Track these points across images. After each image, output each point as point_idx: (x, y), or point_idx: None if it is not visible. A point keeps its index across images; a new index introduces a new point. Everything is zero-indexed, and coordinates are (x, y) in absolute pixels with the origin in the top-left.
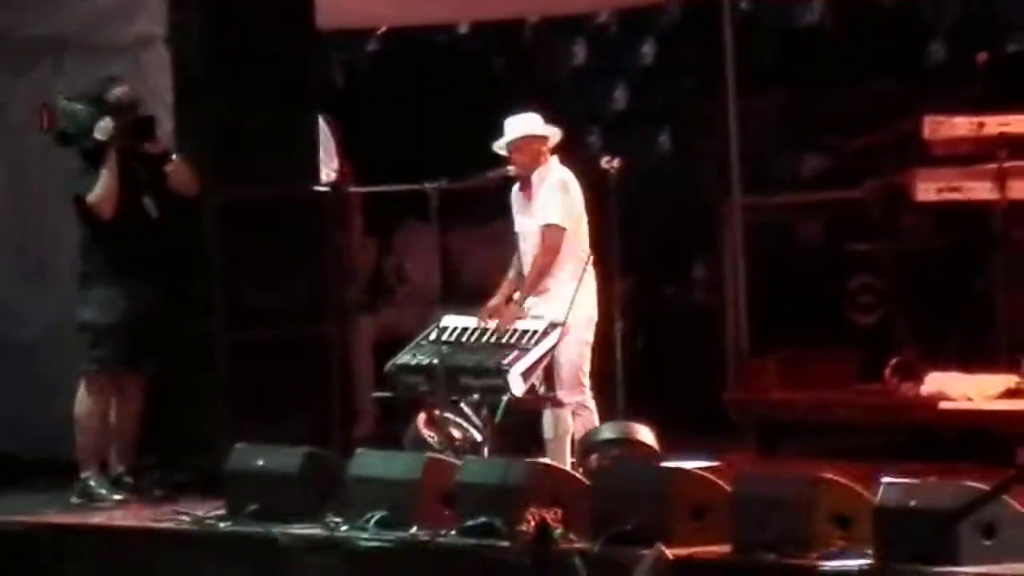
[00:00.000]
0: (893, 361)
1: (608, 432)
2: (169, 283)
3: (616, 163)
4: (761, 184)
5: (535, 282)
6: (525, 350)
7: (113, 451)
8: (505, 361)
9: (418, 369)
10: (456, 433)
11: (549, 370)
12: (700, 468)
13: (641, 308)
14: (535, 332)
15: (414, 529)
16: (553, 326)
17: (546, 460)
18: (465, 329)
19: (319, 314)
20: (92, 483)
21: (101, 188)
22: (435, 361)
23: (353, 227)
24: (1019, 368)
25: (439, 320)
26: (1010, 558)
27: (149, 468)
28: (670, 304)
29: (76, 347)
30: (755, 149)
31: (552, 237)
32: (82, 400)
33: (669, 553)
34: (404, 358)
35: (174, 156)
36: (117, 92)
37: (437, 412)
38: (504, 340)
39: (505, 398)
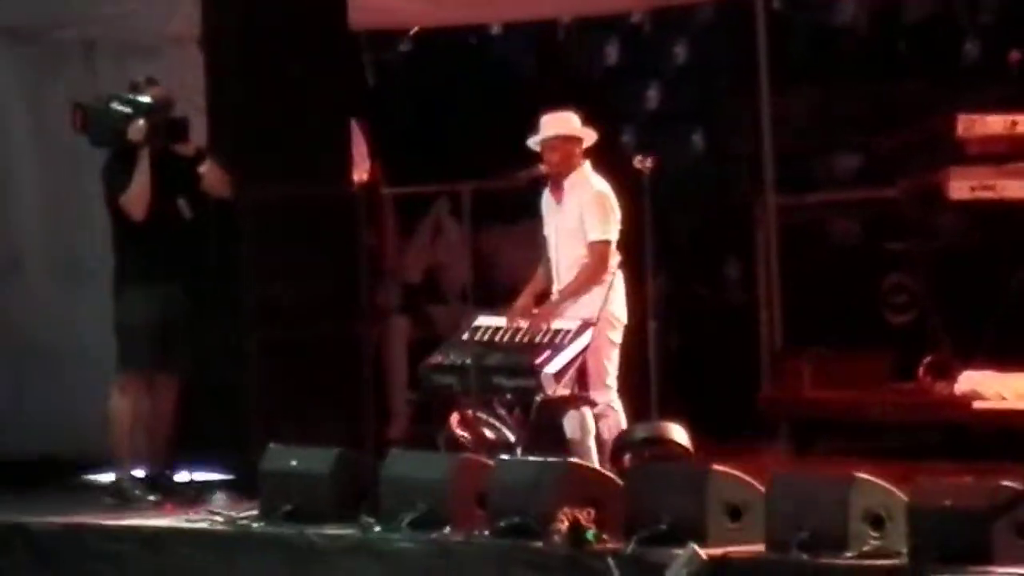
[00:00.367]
0: (927, 360)
1: (642, 432)
2: (202, 284)
3: (649, 163)
4: (794, 183)
5: (576, 292)
6: (558, 350)
7: (147, 451)
8: (538, 361)
9: (451, 369)
10: (489, 433)
11: (581, 370)
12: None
13: (675, 307)
14: (568, 331)
15: (447, 530)
16: (586, 325)
17: (579, 460)
18: (498, 329)
19: (351, 314)
20: (126, 483)
21: (134, 189)
22: (468, 361)
23: (385, 227)
24: None
25: (472, 320)
26: None
27: (183, 468)
28: (704, 303)
29: (110, 348)
30: (788, 148)
31: (602, 253)
32: (116, 401)
33: (703, 553)
34: (437, 358)
35: (207, 157)
36: (150, 93)
37: (470, 412)
38: (537, 340)
39: (538, 398)
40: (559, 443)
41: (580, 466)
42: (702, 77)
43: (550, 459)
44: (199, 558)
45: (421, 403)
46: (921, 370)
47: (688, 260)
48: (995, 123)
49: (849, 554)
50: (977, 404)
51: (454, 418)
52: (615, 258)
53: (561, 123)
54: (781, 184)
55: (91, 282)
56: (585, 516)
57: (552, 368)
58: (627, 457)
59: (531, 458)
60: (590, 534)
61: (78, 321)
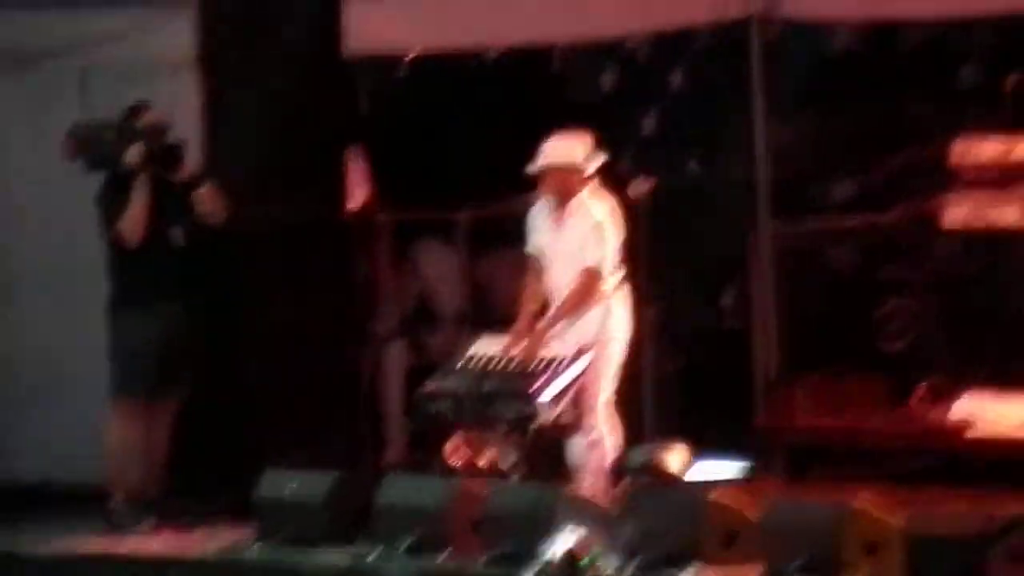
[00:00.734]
0: (923, 387)
1: (638, 458)
2: (197, 309)
3: (646, 188)
4: (791, 209)
5: (564, 316)
6: (555, 376)
7: (143, 477)
8: (534, 387)
9: (447, 396)
10: (485, 460)
11: (579, 396)
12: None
13: (670, 333)
14: (565, 358)
15: (443, 556)
16: (582, 351)
17: (575, 487)
18: (494, 355)
19: (347, 340)
20: (122, 509)
21: (131, 215)
22: (465, 387)
23: (381, 253)
24: None
25: (468, 346)
26: None
27: (179, 494)
28: (699, 329)
29: (105, 374)
30: (785, 174)
31: (592, 280)
32: (112, 426)
33: None
34: (433, 385)
35: (203, 182)
36: (146, 118)
37: (467, 438)
38: (533, 367)
39: (535, 425)
40: (556, 470)
41: (576, 493)
42: (699, 103)
43: (547, 486)
44: None
45: (417, 429)
46: (917, 397)
47: (684, 286)
48: (991, 149)
49: None
50: (973, 431)
51: (451, 444)
52: (618, 276)
53: (557, 152)
54: (777, 210)
55: (87, 308)
56: (580, 543)
57: (548, 395)
58: (623, 483)
59: (528, 485)
60: (586, 561)
61: (73, 347)
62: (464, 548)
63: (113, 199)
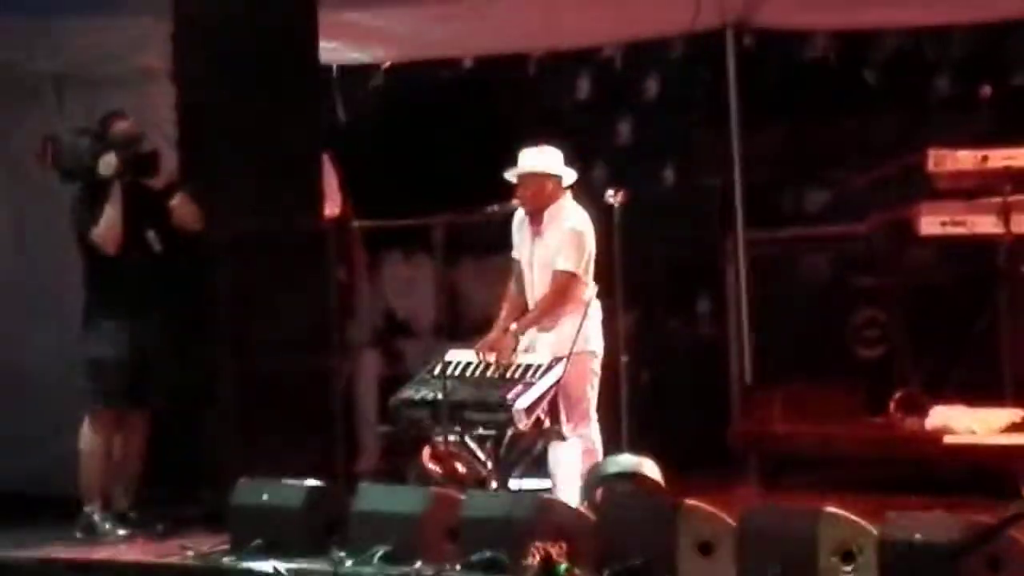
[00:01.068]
0: (898, 395)
1: (614, 466)
2: (173, 318)
3: (620, 197)
4: (765, 218)
5: (537, 321)
6: (530, 384)
7: (118, 486)
8: (509, 395)
9: (422, 403)
10: (460, 467)
11: (554, 404)
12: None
13: (645, 342)
14: (540, 366)
15: (418, 564)
16: (558, 360)
17: (551, 494)
18: (469, 363)
19: (322, 348)
20: (96, 518)
21: (105, 223)
22: (439, 395)
23: (356, 262)
24: None
25: (443, 354)
26: None
27: (153, 503)
28: (674, 338)
29: (80, 382)
30: (759, 183)
31: (565, 284)
32: (86, 435)
33: None
34: (408, 392)
35: (178, 191)
36: (120, 127)
37: (441, 446)
38: (508, 374)
39: (509, 432)
40: (530, 477)
41: (552, 500)
42: (673, 111)
43: (522, 493)
44: None
45: (391, 437)
46: (891, 405)
47: (659, 294)
48: (965, 158)
49: None
50: (948, 439)
51: (425, 452)
52: (591, 289)
53: (534, 159)
54: (752, 219)
55: (61, 317)
56: (557, 550)
57: (523, 403)
58: (599, 491)
59: (503, 492)
60: (562, 568)
61: (49, 356)
62: (439, 556)
63: (88, 208)
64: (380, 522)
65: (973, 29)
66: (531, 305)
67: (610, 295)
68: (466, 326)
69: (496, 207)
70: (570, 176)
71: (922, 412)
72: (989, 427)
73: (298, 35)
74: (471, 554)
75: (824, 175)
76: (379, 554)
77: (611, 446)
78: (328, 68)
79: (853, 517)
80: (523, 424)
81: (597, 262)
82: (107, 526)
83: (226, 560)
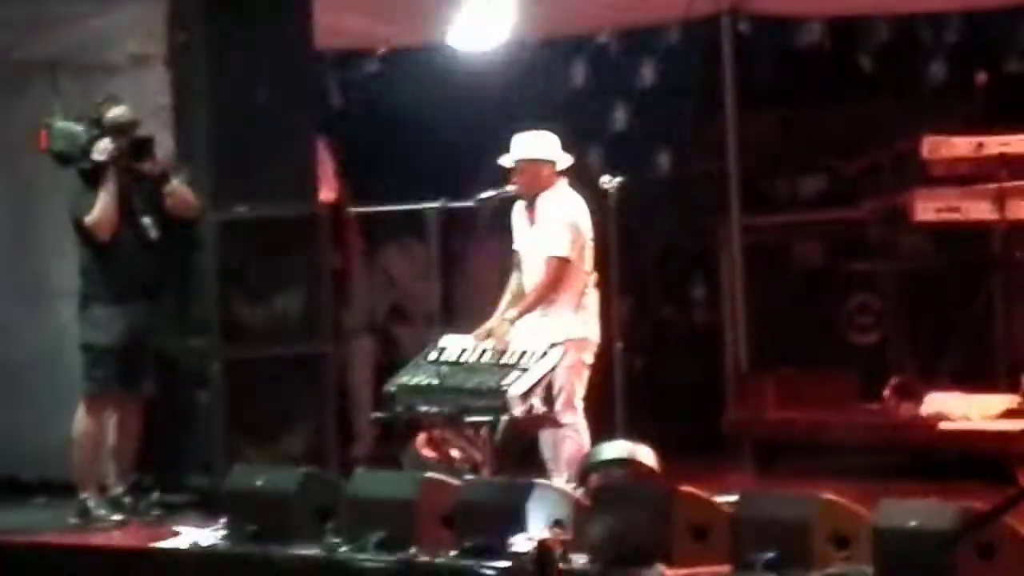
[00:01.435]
0: (892, 381)
1: (609, 452)
2: (167, 304)
3: (615, 183)
4: (760, 204)
5: (531, 308)
6: (524, 370)
7: (112, 472)
8: (504, 381)
9: (417, 389)
10: (455, 453)
11: (548, 391)
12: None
13: (640, 328)
14: (535, 353)
15: (413, 550)
16: (553, 346)
17: (546, 480)
18: (464, 349)
19: (316, 334)
20: (90, 504)
21: (100, 209)
22: (434, 381)
23: (351, 247)
24: (1019, 388)
25: (438, 340)
26: None
27: (147, 489)
28: (669, 324)
29: (74, 367)
30: (754, 169)
31: (557, 269)
32: (81, 421)
33: (669, 574)
34: (403, 378)
35: (173, 177)
36: (115, 113)
37: (436, 432)
38: (504, 360)
39: (504, 418)
40: (526, 463)
41: (547, 486)
42: (668, 98)
43: (516, 480)
44: None
45: (386, 423)
46: (887, 391)
47: (653, 281)
48: (960, 145)
49: (814, 574)
50: (942, 425)
51: (420, 438)
52: (589, 277)
53: (528, 146)
54: (746, 205)
55: (57, 302)
56: (552, 537)
57: (518, 389)
58: (594, 477)
59: (498, 478)
60: (557, 555)
61: (43, 341)
62: (434, 542)
63: (83, 193)
64: (375, 508)
65: (967, 15)
66: (526, 292)
67: (604, 281)
68: (462, 312)
69: (492, 193)
70: (566, 161)
71: (917, 398)
72: (984, 413)
73: (294, 20)
74: (466, 540)
75: (819, 161)
76: (374, 540)
77: (605, 433)
78: (323, 54)
79: (847, 504)
80: (518, 410)
81: (592, 248)
82: (101, 511)
83: (221, 546)
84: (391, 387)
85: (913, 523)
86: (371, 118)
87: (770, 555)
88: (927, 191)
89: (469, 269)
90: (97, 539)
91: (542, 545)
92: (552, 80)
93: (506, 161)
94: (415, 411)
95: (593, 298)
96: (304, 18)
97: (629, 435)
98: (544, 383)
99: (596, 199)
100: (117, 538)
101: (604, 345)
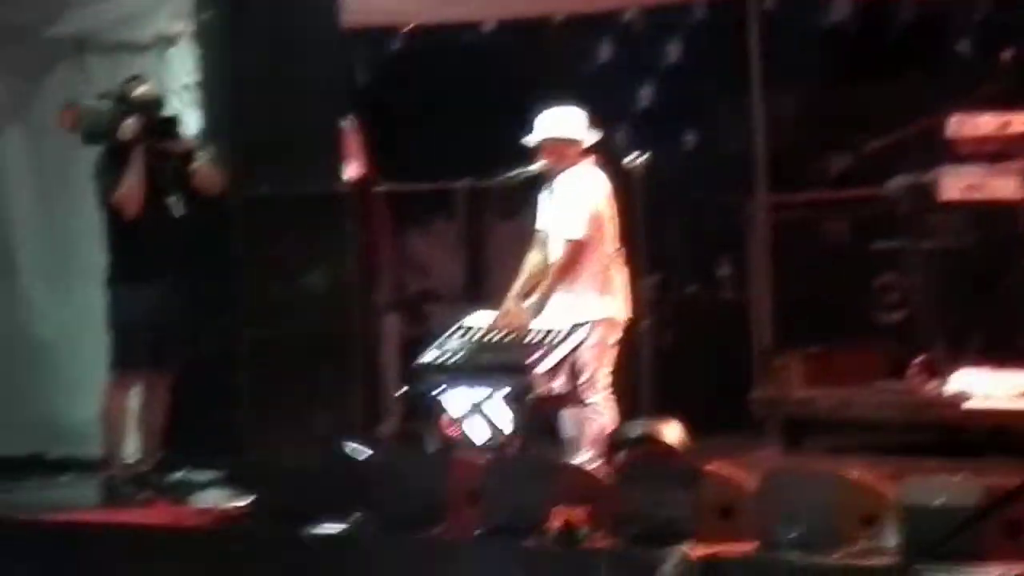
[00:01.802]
0: (918, 359)
1: (634, 431)
2: (194, 282)
3: (641, 161)
4: (786, 182)
5: (549, 291)
6: (550, 349)
7: (138, 449)
8: (530, 360)
9: (443, 367)
10: (481, 432)
11: (573, 370)
12: None
13: (666, 306)
14: (560, 331)
15: (439, 528)
16: (577, 326)
17: (571, 459)
18: (490, 327)
19: (343, 312)
20: (118, 481)
21: (126, 187)
22: (460, 359)
23: (378, 226)
24: None
25: (465, 318)
26: None
27: (174, 466)
28: (695, 302)
29: (100, 345)
30: (780, 147)
31: (572, 252)
32: (107, 399)
33: (694, 553)
34: (429, 356)
35: (199, 154)
36: (141, 91)
37: (462, 411)
38: (528, 339)
39: (530, 397)
40: (551, 442)
41: (572, 465)
42: (694, 76)
43: (542, 458)
44: (191, 556)
45: (413, 401)
46: (913, 369)
47: (679, 259)
48: (987, 123)
49: (840, 553)
50: (968, 403)
51: (446, 417)
52: (612, 256)
53: (553, 125)
54: (772, 183)
55: (84, 280)
56: (578, 515)
57: (544, 367)
58: (619, 456)
59: (524, 457)
60: (582, 533)
61: (71, 319)
62: (460, 521)
63: (109, 172)
64: (401, 486)
65: None
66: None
67: (631, 259)
68: (488, 290)
69: (518, 171)
70: (592, 139)
71: (943, 376)
72: (1010, 391)
73: None
74: (491, 519)
75: (845, 139)
76: (401, 518)
77: (631, 411)
78: (350, 31)
79: (874, 481)
80: (543, 389)
81: (617, 226)
82: (128, 489)
83: (247, 523)
84: (417, 365)
85: (939, 501)
86: (398, 95)
87: (796, 533)
88: (953, 169)
89: (496, 247)
90: (123, 517)
91: (568, 523)
92: (578, 58)
93: (532, 140)
94: (442, 389)
95: (619, 276)
96: None
97: (655, 413)
98: (568, 362)
99: (622, 178)
100: (144, 516)
101: (630, 323)
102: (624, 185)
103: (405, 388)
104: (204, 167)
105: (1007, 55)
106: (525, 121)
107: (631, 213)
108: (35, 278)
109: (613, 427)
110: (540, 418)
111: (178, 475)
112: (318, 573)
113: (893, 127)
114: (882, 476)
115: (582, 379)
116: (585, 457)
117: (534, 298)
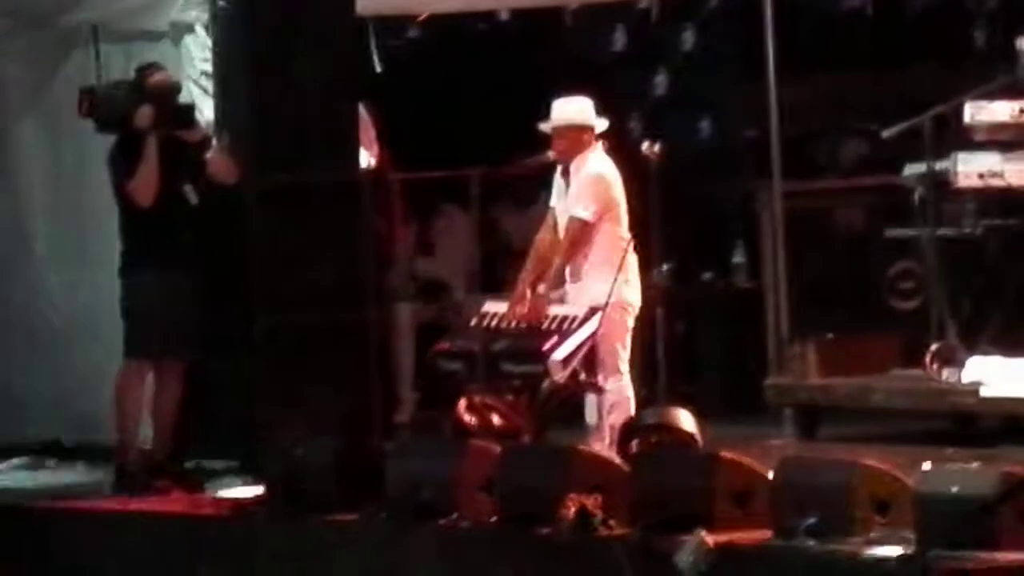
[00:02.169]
0: (933, 347)
1: (649, 418)
2: (208, 270)
3: (657, 149)
4: (802, 169)
5: (558, 272)
6: (566, 336)
7: (152, 438)
8: (546, 347)
9: (459, 355)
10: (497, 419)
11: (590, 356)
12: None
13: (681, 294)
14: (576, 317)
15: (454, 516)
16: (593, 311)
17: (586, 446)
18: (505, 314)
19: (358, 301)
20: (132, 469)
21: (140, 175)
22: (476, 347)
23: (393, 214)
24: None
25: (480, 306)
26: None
27: (187, 454)
28: (710, 290)
29: (115, 333)
30: (796, 134)
31: (577, 231)
32: (122, 386)
33: (710, 539)
34: (445, 344)
35: (214, 143)
36: (156, 79)
37: (477, 399)
38: (545, 326)
39: (545, 384)
40: (567, 429)
41: (588, 452)
42: (710, 63)
43: (557, 445)
44: (204, 545)
45: (428, 389)
46: (928, 357)
47: (695, 246)
48: (1003, 110)
49: (855, 540)
50: (984, 391)
51: (461, 404)
52: (625, 241)
53: (568, 111)
54: (788, 170)
55: (98, 267)
56: (592, 502)
57: (560, 354)
58: (634, 443)
59: (539, 444)
60: (597, 521)
61: (85, 306)
62: (475, 508)
63: (124, 160)
64: (416, 475)
65: None
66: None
67: (645, 247)
68: (503, 278)
69: (532, 158)
70: (603, 125)
71: (958, 364)
72: None
73: None
74: (507, 507)
75: (860, 126)
76: (415, 507)
77: (646, 398)
78: (365, 19)
79: (889, 469)
80: (559, 376)
81: (632, 214)
82: (143, 477)
83: (260, 513)
84: (433, 353)
85: (954, 489)
86: (413, 84)
87: (811, 521)
88: (969, 156)
89: (510, 234)
90: (137, 504)
91: (582, 510)
92: (593, 46)
93: (546, 127)
94: (457, 377)
95: (633, 262)
96: None
97: (670, 400)
98: (586, 348)
99: (637, 165)
100: (158, 504)
101: (645, 310)
102: (639, 173)
103: (421, 376)
104: (219, 155)
105: (1022, 42)
106: (540, 109)
107: (646, 200)
108: (50, 265)
109: (624, 416)
110: (556, 405)
111: (191, 463)
112: (332, 561)
113: (908, 114)
114: (897, 463)
115: (601, 365)
116: (602, 444)
117: (542, 288)
